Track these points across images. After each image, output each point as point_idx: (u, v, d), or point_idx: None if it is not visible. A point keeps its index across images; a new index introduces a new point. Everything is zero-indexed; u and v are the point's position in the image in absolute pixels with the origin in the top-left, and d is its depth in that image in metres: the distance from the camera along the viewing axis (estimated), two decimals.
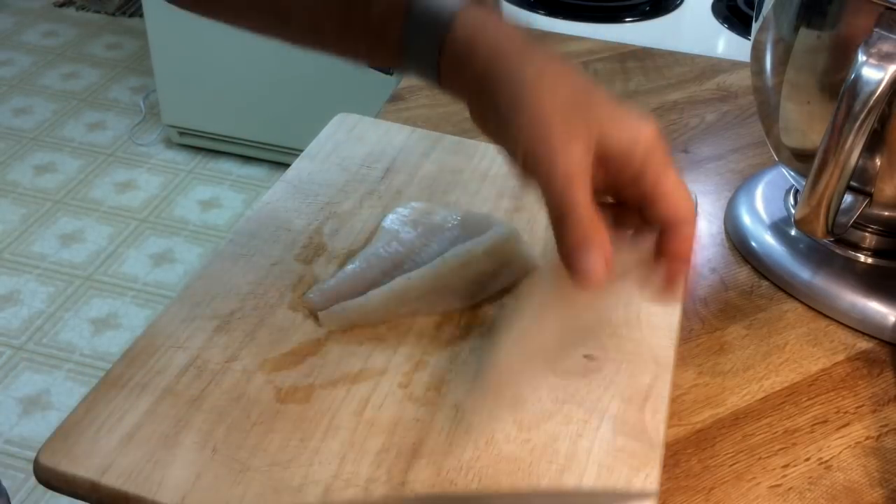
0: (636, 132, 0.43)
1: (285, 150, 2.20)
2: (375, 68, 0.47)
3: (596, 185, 0.43)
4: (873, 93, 0.52)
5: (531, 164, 0.43)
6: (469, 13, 0.45)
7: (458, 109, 0.85)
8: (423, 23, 0.45)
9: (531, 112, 0.43)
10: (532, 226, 0.62)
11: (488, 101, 0.45)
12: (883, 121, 0.55)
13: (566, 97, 0.43)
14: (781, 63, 0.62)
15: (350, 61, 0.51)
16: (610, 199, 0.46)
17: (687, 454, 0.54)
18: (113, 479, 0.43)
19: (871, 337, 0.63)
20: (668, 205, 0.43)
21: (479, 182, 0.66)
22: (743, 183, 0.77)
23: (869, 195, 0.61)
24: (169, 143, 2.35)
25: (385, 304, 0.53)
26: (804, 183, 0.57)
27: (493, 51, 0.44)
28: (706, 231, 0.73)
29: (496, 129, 0.46)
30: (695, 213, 0.44)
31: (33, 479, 0.45)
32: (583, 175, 0.42)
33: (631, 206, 0.45)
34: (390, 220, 0.60)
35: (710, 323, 0.64)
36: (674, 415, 0.56)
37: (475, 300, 0.55)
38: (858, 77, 0.52)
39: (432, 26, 0.45)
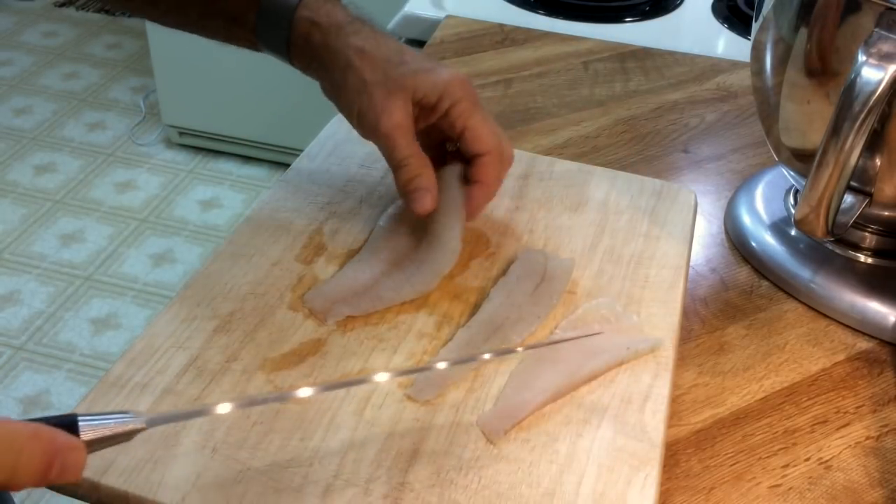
0: (441, 81, 0.53)
1: (285, 150, 2.20)
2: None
3: (422, 129, 0.55)
4: (873, 93, 0.52)
5: (363, 123, 0.54)
6: (310, 1, 0.55)
7: None
8: (272, 11, 0.55)
9: (355, 78, 0.53)
10: (532, 226, 0.62)
11: (326, 73, 0.55)
12: (883, 120, 0.55)
13: (383, 62, 0.53)
14: (781, 63, 0.62)
15: (214, 40, 0.60)
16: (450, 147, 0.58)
17: (687, 454, 0.54)
18: (113, 479, 0.43)
19: (871, 337, 0.63)
20: (472, 140, 0.54)
21: None
22: (743, 183, 0.77)
23: (869, 195, 0.61)
24: (169, 143, 2.35)
25: None
26: (804, 183, 0.57)
27: (327, 30, 0.54)
28: (706, 231, 0.73)
29: (335, 97, 0.56)
30: (498, 147, 0.55)
31: None
32: (404, 127, 0.53)
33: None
34: (385, 219, 0.61)
35: (710, 323, 0.64)
36: (674, 415, 0.56)
37: None
38: (858, 77, 0.52)
39: (280, 13, 0.55)
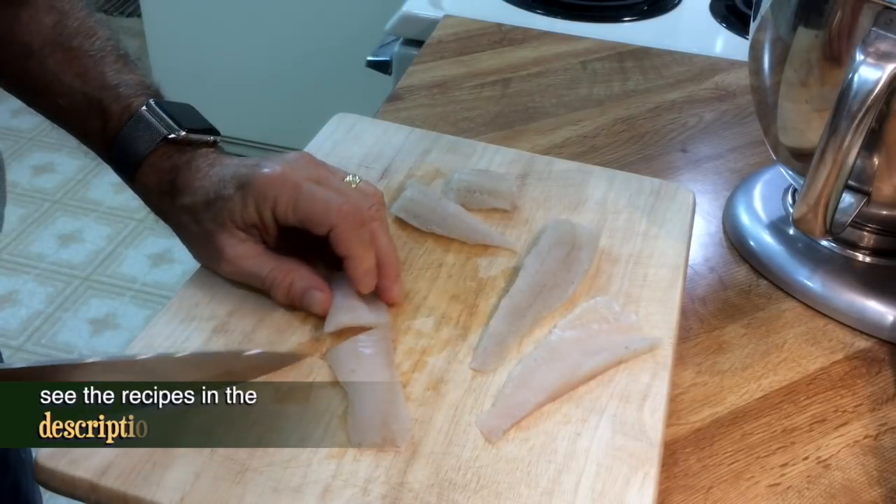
0: (243, 193, 0.51)
1: (284, 150, 2.19)
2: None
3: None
4: (871, 92, 0.52)
5: (215, 267, 0.54)
6: (166, 150, 0.54)
7: (457, 109, 0.85)
8: (120, 161, 0.55)
9: (187, 238, 0.55)
10: (531, 225, 0.62)
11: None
12: (881, 120, 0.55)
13: (196, 207, 0.53)
14: (779, 62, 0.62)
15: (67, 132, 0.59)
16: None
17: (686, 453, 0.54)
18: (112, 480, 0.43)
19: (870, 336, 0.63)
20: (308, 221, 0.51)
21: None
22: (741, 182, 0.77)
23: (867, 194, 0.61)
24: None
25: None
26: (802, 182, 0.57)
27: (159, 184, 0.54)
28: (705, 230, 0.73)
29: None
30: (340, 211, 0.50)
31: None
32: (246, 252, 0.52)
33: None
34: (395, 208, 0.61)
35: (709, 322, 0.64)
36: (672, 414, 0.56)
37: None
38: (856, 76, 0.52)
39: (143, 139, 0.55)
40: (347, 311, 0.52)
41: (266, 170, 0.51)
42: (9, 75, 0.60)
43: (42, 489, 0.47)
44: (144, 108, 0.54)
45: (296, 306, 0.53)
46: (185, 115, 0.55)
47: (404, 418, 0.47)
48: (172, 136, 0.54)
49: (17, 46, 0.57)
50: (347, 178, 0.54)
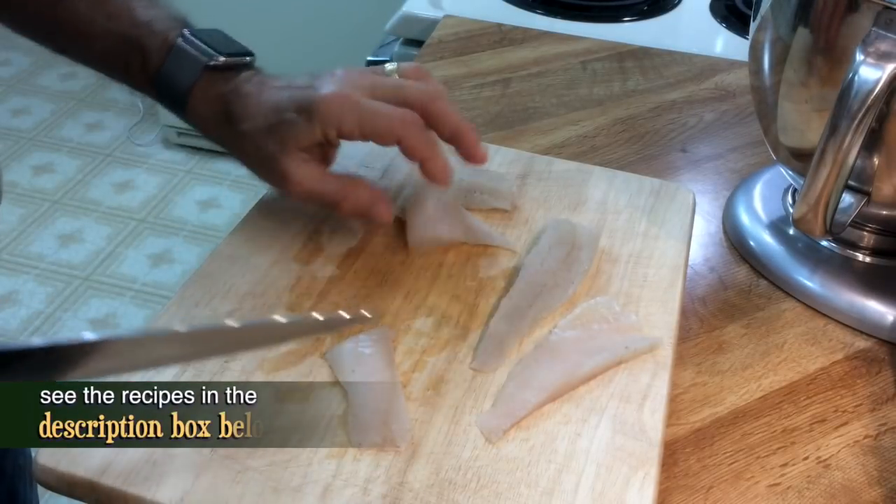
0: (307, 117, 0.52)
1: None
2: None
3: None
4: (871, 92, 0.52)
5: (280, 188, 0.55)
6: (210, 78, 0.55)
7: (457, 109, 0.85)
8: (167, 95, 0.56)
9: (250, 159, 0.55)
10: (531, 225, 0.62)
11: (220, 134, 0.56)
12: (881, 120, 0.55)
13: (259, 130, 0.53)
14: (779, 62, 0.62)
15: (106, 76, 0.60)
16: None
17: (685, 453, 0.54)
18: (112, 480, 0.43)
19: (870, 336, 0.63)
20: (379, 138, 0.52)
21: None
22: (741, 182, 0.77)
23: (867, 194, 0.61)
24: (167, 143, 2.35)
25: None
26: (802, 182, 0.57)
27: (214, 110, 0.55)
28: (705, 230, 0.73)
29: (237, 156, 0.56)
30: (404, 127, 0.52)
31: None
32: (311, 174, 0.53)
33: None
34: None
35: (709, 322, 0.64)
36: (672, 414, 0.56)
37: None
38: (856, 76, 0.52)
39: (186, 69, 0.55)
40: (425, 227, 0.57)
41: (325, 91, 0.52)
42: (41, 25, 0.60)
43: (41, 490, 0.47)
44: (181, 38, 0.55)
45: (363, 217, 0.55)
46: (219, 41, 0.56)
47: (404, 418, 0.47)
48: (213, 62, 0.54)
49: None
50: (390, 68, 0.55)
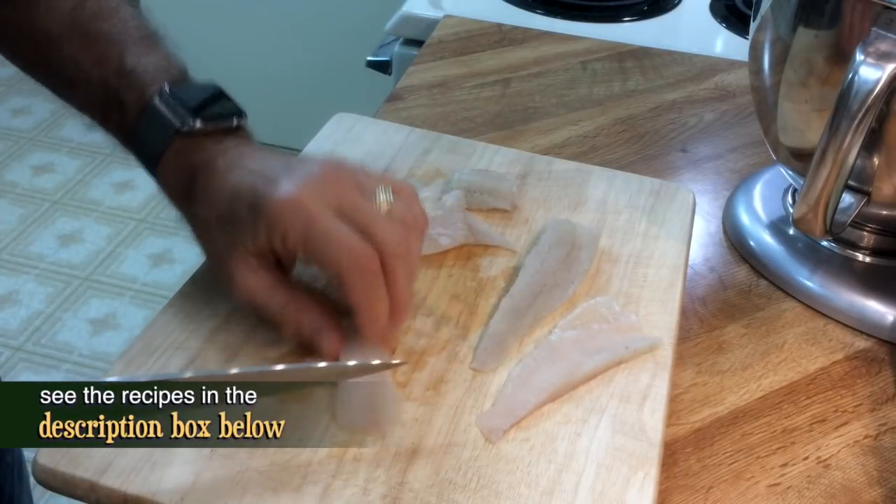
0: (257, 219, 0.45)
1: (284, 150, 2.19)
2: None
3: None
4: (871, 92, 0.52)
5: (228, 293, 0.49)
6: (184, 144, 0.49)
7: (457, 109, 0.85)
8: (140, 157, 0.51)
9: (205, 252, 0.50)
10: (531, 225, 0.62)
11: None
12: (881, 120, 0.55)
13: (210, 223, 0.48)
14: (779, 62, 0.62)
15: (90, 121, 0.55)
16: None
17: (685, 453, 0.54)
18: (111, 480, 0.43)
19: (870, 336, 0.63)
20: (320, 260, 0.45)
21: None
22: (741, 182, 0.77)
23: (867, 194, 0.61)
24: None
25: None
26: (802, 182, 0.57)
27: (178, 185, 0.50)
28: (705, 230, 0.73)
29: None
30: (351, 262, 0.45)
31: (32, 480, 0.46)
32: (258, 283, 0.47)
33: None
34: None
35: (709, 322, 0.64)
36: (672, 414, 0.56)
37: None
38: (856, 76, 0.52)
39: (157, 134, 0.50)
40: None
41: (282, 192, 0.45)
42: (31, 65, 0.55)
43: (42, 490, 0.47)
44: (157, 97, 0.49)
45: (306, 344, 0.49)
46: (204, 100, 0.50)
47: (392, 402, 0.46)
48: (186, 128, 0.49)
49: (36, 34, 0.52)
50: (381, 199, 0.47)
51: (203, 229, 0.49)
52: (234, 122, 0.51)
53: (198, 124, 0.49)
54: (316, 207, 0.45)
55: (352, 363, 0.46)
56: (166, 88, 0.50)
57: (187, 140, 0.49)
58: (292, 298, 0.48)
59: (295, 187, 0.45)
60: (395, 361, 0.48)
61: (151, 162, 0.50)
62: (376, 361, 0.46)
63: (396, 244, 0.46)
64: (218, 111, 0.50)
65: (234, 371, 0.44)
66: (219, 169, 0.48)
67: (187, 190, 0.49)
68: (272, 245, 0.46)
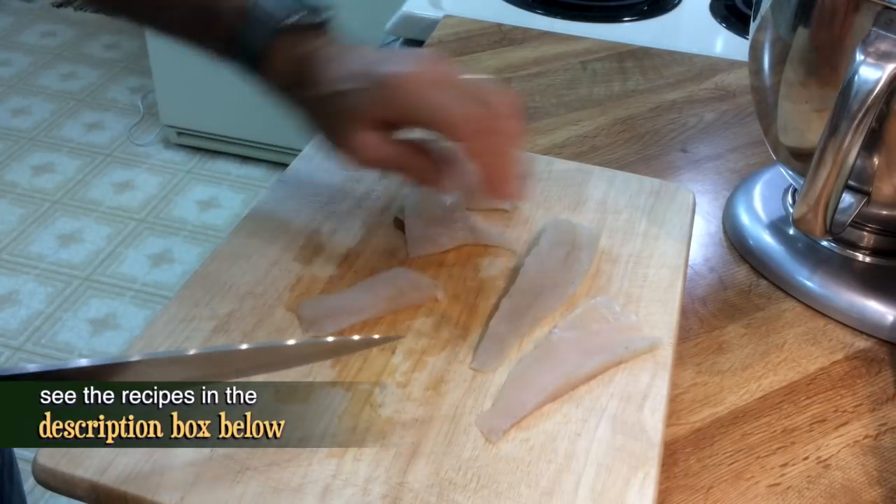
0: (380, 90, 0.51)
1: (284, 150, 2.20)
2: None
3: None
4: (871, 92, 0.52)
5: (347, 158, 0.54)
6: (287, 40, 0.54)
7: None
8: (243, 60, 0.56)
9: (320, 126, 0.55)
10: (531, 225, 0.62)
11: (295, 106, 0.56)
12: (881, 120, 0.55)
13: (332, 98, 0.52)
14: (779, 62, 0.62)
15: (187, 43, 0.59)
16: None
17: (685, 453, 0.54)
18: (112, 480, 0.43)
19: (870, 336, 0.63)
20: (436, 122, 0.50)
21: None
22: (741, 182, 0.77)
23: (867, 194, 0.61)
24: (167, 144, 2.35)
25: None
26: (802, 182, 0.57)
27: (288, 74, 0.55)
28: (705, 230, 0.73)
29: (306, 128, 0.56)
30: (465, 117, 0.50)
31: (32, 480, 0.46)
32: (376, 144, 0.52)
33: None
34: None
35: (709, 322, 0.64)
36: (672, 414, 0.56)
37: None
38: (856, 76, 0.52)
39: (260, 33, 0.54)
40: (426, 239, 0.58)
41: (394, 70, 0.51)
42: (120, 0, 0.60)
43: (42, 490, 0.47)
44: (253, 1, 0.54)
45: (424, 185, 0.55)
46: (293, 1, 0.55)
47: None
48: (287, 23, 0.53)
49: None
50: (474, 78, 0.53)
51: (318, 108, 0.54)
52: (326, 17, 0.55)
53: (297, 17, 0.54)
54: (424, 81, 0.50)
55: (356, 338, 0.50)
56: None
57: (290, 35, 0.54)
58: (408, 148, 0.53)
59: (407, 66, 0.51)
60: (376, 337, 0.50)
61: (254, 62, 0.55)
62: (377, 336, 0.50)
63: (507, 105, 0.51)
64: (310, 6, 0.55)
65: (244, 346, 0.45)
66: (331, 56, 0.53)
67: (298, 78, 0.54)
68: (391, 113, 0.51)
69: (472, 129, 0.50)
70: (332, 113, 0.53)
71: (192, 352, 0.43)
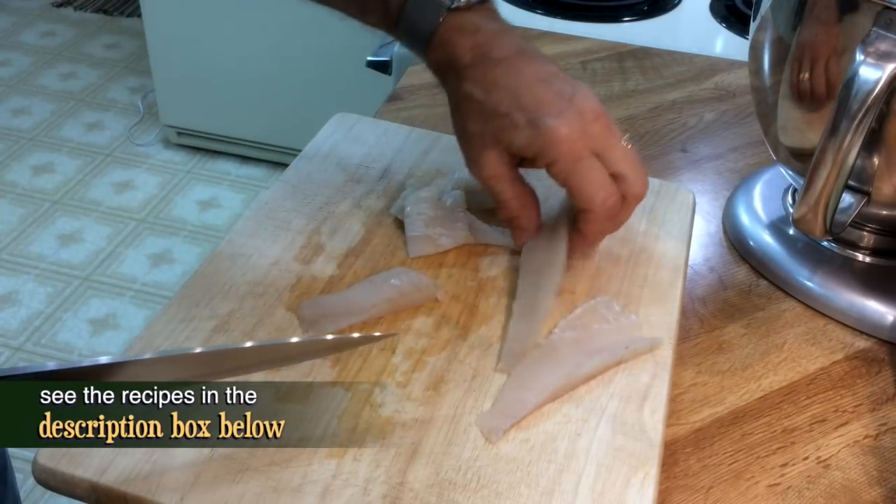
0: (540, 141, 0.51)
1: (284, 150, 2.20)
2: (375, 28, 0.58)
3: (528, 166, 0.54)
4: (871, 92, 0.52)
5: (466, 164, 0.55)
6: (455, 18, 0.54)
7: None
8: (421, 9, 0.54)
9: (459, 125, 0.54)
10: None
11: (446, 94, 0.56)
12: (881, 120, 0.55)
13: (489, 112, 0.52)
14: (779, 62, 0.62)
15: (347, 16, 0.59)
16: None
17: (686, 453, 0.54)
18: (112, 480, 0.43)
19: (870, 336, 0.63)
20: (575, 195, 0.52)
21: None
22: (741, 182, 0.77)
23: (867, 194, 0.61)
24: (167, 144, 2.35)
25: None
26: (802, 182, 0.57)
27: (450, 61, 0.54)
28: (705, 230, 0.73)
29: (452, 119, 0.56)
30: (603, 203, 0.52)
31: (32, 480, 0.46)
32: (498, 176, 0.53)
33: None
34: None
35: (709, 322, 0.64)
36: (672, 414, 0.56)
37: None
38: (856, 76, 0.52)
39: (429, 13, 0.54)
40: (426, 241, 0.59)
41: (562, 125, 0.50)
42: None
43: (42, 490, 0.47)
44: None
45: (507, 225, 0.57)
46: None
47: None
48: (456, 4, 0.53)
49: None
50: (627, 147, 0.53)
51: (467, 107, 0.54)
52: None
53: (463, 1, 0.53)
54: (585, 148, 0.51)
55: (356, 336, 0.50)
56: None
57: (456, 16, 0.53)
58: (520, 194, 0.55)
59: (571, 124, 0.51)
60: (377, 334, 0.51)
61: (421, 43, 0.55)
62: (377, 333, 0.51)
63: (641, 187, 0.53)
64: None
65: (246, 344, 0.45)
66: (495, 59, 0.53)
67: (456, 67, 0.54)
68: (535, 162, 0.52)
69: (603, 216, 0.53)
70: (477, 120, 0.53)
71: (197, 350, 0.43)
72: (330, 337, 0.50)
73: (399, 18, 0.55)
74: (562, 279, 0.56)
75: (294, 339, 0.48)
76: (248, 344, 0.45)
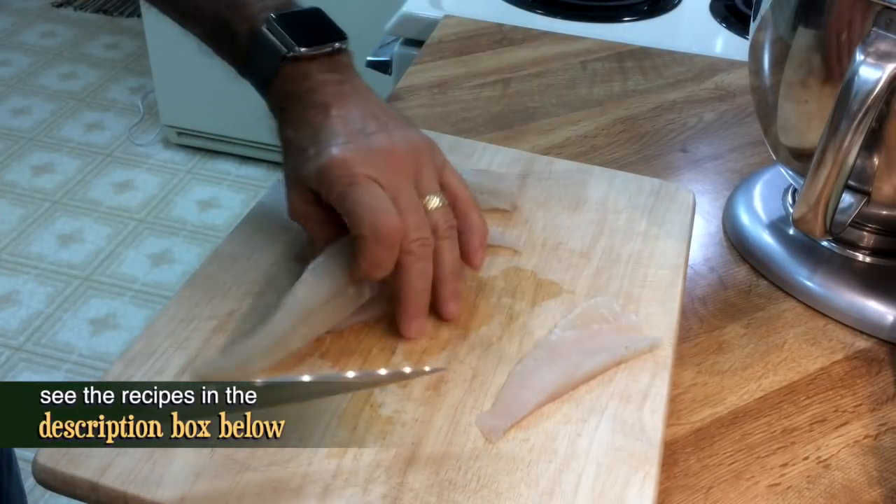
0: (315, 171, 0.50)
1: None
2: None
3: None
4: (871, 92, 0.52)
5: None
6: (290, 68, 0.54)
7: (457, 109, 0.85)
8: (260, 56, 0.55)
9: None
10: (530, 226, 0.62)
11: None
12: (881, 120, 0.55)
13: (296, 154, 0.53)
14: (779, 62, 0.62)
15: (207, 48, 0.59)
16: None
17: (686, 453, 0.54)
18: (112, 480, 0.43)
19: (870, 336, 0.63)
20: (348, 219, 0.49)
21: None
22: (741, 182, 0.77)
23: (867, 194, 0.61)
24: (167, 144, 2.35)
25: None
26: (802, 182, 0.57)
27: (278, 107, 0.55)
28: (705, 230, 0.73)
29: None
30: (373, 228, 0.48)
31: (32, 480, 0.46)
32: (306, 214, 0.53)
33: None
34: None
35: (709, 322, 0.64)
36: (672, 414, 0.56)
37: None
38: (856, 76, 0.52)
39: (267, 60, 0.54)
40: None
41: (340, 150, 0.50)
42: (159, 2, 0.60)
43: (42, 490, 0.47)
44: (264, 25, 0.54)
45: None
46: (308, 27, 0.54)
47: None
48: (292, 54, 0.53)
49: None
50: (433, 202, 0.51)
51: (284, 149, 0.55)
52: (336, 45, 0.54)
53: (302, 50, 0.53)
54: (362, 174, 0.49)
55: (383, 372, 0.49)
56: (272, 17, 0.54)
57: (294, 65, 0.54)
58: (330, 237, 0.53)
59: (354, 151, 0.50)
60: (427, 368, 0.49)
61: (264, 86, 0.55)
62: (408, 370, 0.49)
63: (416, 237, 0.49)
64: (321, 37, 0.54)
65: (305, 378, 0.45)
66: (311, 101, 0.53)
67: (280, 112, 0.55)
68: (318, 190, 0.51)
69: (379, 244, 0.48)
70: (288, 160, 0.54)
71: (259, 382, 0.42)
72: (383, 372, 0.49)
73: (246, 60, 0.55)
74: (317, 312, 0.51)
75: (350, 374, 0.48)
76: (307, 378, 0.45)
